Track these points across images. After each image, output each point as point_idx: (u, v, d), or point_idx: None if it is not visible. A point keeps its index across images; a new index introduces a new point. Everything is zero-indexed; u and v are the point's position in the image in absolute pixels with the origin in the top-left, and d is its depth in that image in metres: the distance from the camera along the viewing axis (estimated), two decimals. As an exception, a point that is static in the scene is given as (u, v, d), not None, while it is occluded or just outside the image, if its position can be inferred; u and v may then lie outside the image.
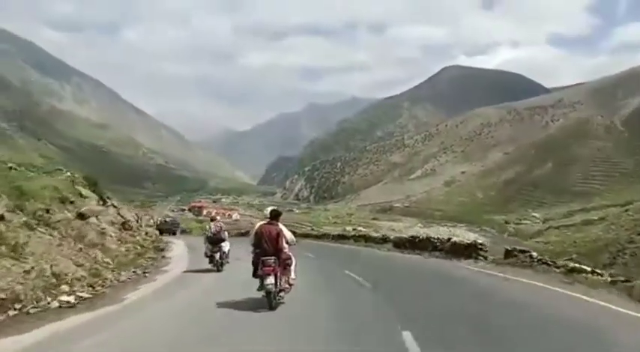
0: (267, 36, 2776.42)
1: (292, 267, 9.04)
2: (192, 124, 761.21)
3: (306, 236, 44.81)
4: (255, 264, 8.74)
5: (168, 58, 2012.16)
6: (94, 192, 19.60)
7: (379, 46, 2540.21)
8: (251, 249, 8.99)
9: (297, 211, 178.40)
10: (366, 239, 32.04)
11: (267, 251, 8.56)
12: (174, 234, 41.81)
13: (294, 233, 10.91)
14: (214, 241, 15.06)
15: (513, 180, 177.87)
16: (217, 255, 14.88)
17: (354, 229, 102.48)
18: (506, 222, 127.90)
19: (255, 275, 8.73)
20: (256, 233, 8.82)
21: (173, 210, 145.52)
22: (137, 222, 24.35)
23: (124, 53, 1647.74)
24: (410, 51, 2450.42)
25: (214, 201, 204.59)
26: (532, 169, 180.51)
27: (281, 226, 8.94)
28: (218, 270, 14.79)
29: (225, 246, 15.27)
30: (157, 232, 31.84)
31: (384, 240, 29.81)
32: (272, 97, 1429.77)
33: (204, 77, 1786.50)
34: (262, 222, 9.03)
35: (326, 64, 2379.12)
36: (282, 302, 8.77)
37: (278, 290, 8.59)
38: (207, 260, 15.28)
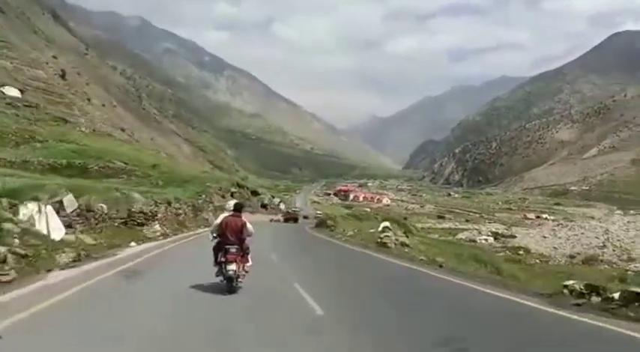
0: (412, 20, 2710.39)
1: (249, 256, 9.28)
2: (338, 113, 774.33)
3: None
4: (216, 251, 9.09)
5: (317, 50, 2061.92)
6: None
7: (533, 21, 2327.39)
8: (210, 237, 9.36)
9: (457, 196, 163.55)
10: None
11: (230, 240, 8.88)
12: (295, 221, 55.01)
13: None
14: None
15: None
16: None
17: (537, 217, 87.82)
18: None
19: (216, 262, 9.03)
20: (220, 224, 9.10)
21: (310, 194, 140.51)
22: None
23: (275, 47, 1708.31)
24: (569, 23, 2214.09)
25: (360, 186, 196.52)
26: None
27: (244, 219, 9.24)
28: None
29: None
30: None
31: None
32: (416, 82, 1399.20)
33: (351, 66, 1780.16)
34: (226, 214, 9.25)
35: (473, 45, 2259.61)
36: (240, 287, 8.88)
37: (237, 275, 8.80)
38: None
